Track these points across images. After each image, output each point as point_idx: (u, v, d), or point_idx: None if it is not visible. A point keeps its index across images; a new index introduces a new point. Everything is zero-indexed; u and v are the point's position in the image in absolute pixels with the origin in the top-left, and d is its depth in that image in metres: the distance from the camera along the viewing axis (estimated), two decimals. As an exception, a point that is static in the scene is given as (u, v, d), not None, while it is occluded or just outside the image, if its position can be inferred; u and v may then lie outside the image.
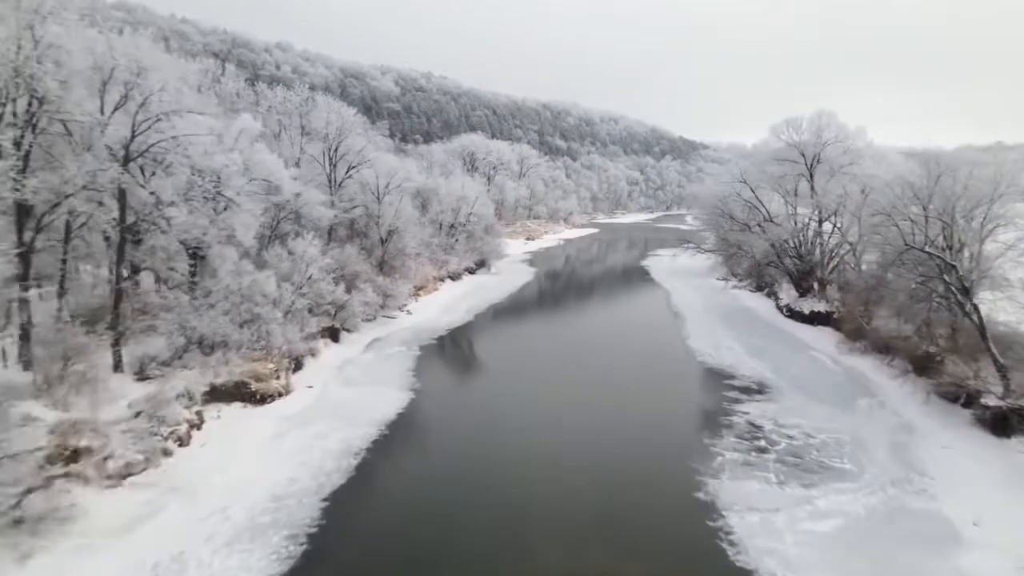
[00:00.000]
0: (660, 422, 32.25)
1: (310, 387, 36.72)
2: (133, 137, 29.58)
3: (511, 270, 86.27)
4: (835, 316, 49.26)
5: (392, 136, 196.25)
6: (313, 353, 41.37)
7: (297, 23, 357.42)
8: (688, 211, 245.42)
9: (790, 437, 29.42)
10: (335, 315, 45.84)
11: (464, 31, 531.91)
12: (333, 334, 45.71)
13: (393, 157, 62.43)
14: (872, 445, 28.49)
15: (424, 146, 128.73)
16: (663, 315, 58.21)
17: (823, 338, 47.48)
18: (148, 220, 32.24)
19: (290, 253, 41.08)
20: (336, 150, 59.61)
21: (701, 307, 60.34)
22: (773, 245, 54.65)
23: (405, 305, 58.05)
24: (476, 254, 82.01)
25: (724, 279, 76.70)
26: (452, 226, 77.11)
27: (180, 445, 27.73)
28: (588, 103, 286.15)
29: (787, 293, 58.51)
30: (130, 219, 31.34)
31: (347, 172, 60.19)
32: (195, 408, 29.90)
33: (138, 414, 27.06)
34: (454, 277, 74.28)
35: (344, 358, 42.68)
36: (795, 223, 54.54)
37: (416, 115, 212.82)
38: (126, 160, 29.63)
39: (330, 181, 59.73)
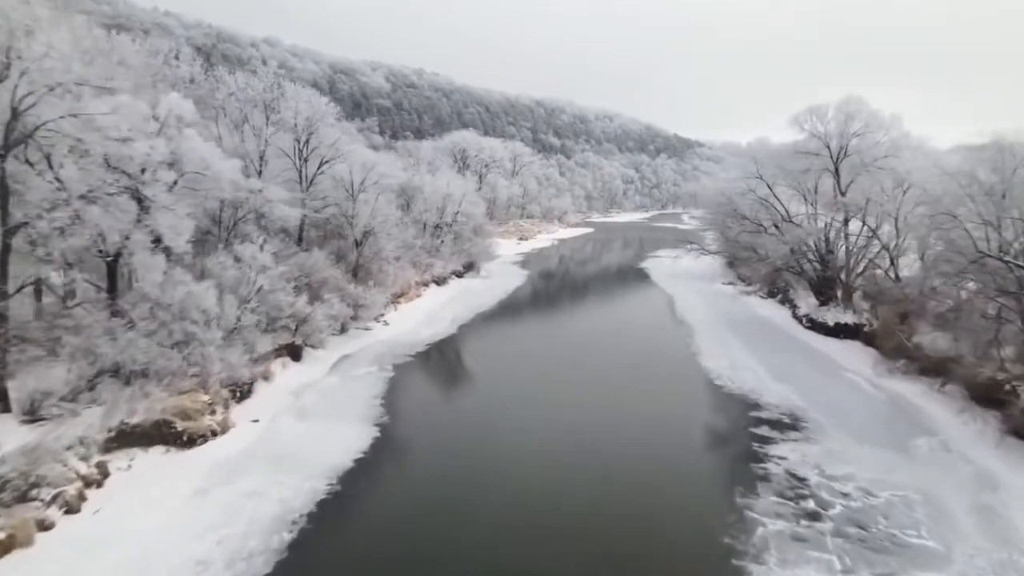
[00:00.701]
0: (678, 473, 25.85)
1: (255, 421, 30.30)
2: (15, 116, 23.08)
3: (502, 273, 79.91)
4: (865, 329, 43.09)
5: (382, 133, 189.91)
6: (266, 376, 34.94)
7: (297, 23, 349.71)
8: (684, 210, 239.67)
9: (845, 495, 23.12)
10: (296, 330, 39.42)
11: (464, 31, 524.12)
12: (294, 352, 39.28)
13: (370, 151, 56.11)
14: (951, 507, 22.23)
15: (411, 142, 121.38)
16: (668, 326, 51.94)
17: (853, 355, 41.30)
18: (49, 219, 25.65)
19: (237, 260, 34.51)
20: (307, 142, 53.16)
21: (709, 316, 54.10)
22: (792, 249, 48.42)
23: (382, 315, 51.69)
24: (464, 256, 75.63)
25: (731, 284, 70.56)
26: (437, 226, 70.66)
27: (67, 512, 21.31)
28: (584, 101, 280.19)
29: (805, 301, 52.34)
30: (22, 217, 24.81)
31: (319, 167, 53.74)
32: (95, 459, 23.47)
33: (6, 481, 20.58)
34: (439, 282, 67.90)
35: (303, 381, 36.25)
36: (818, 223, 48.28)
37: (407, 112, 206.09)
38: (6, 145, 23.13)
39: (300, 177, 53.30)
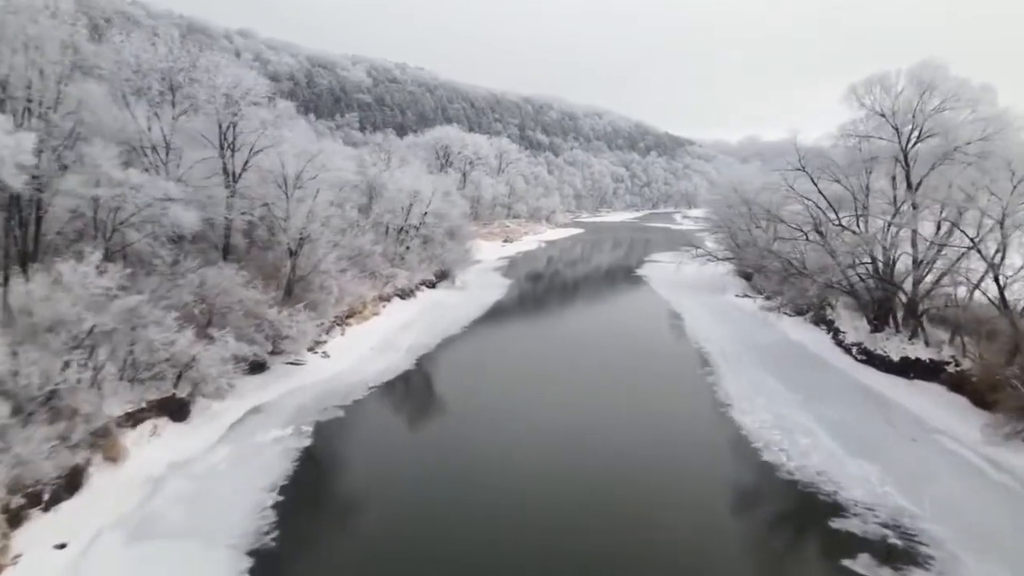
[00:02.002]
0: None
1: (61, 547, 18.82)
2: None
3: (481, 282, 68.38)
4: (950, 369, 31.94)
5: (363, 129, 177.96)
6: (113, 456, 23.36)
7: (286, 20, 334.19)
8: (676, 209, 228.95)
9: None
10: (178, 379, 27.83)
11: (456, 29, 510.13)
12: (176, 409, 27.71)
13: (310, 139, 44.54)
14: None
15: (379, 135, 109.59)
16: (682, 358, 40.58)
17: (939, 406, 30.15)
18: None
19: (56, 284, 22.66)
20: (232, 127, 41.51)
21: (731, 342, 42.84)
22: (841, 261, 37.14)
23: (322, 343, 40.24)
24: (436, 264, 64.12)
25: (745, 296, 59.38)
26: (402, 230, 58.97)
27: None
28: (572, 98, 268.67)
29: (850, 324, 41.21)
30: None
31: (248, 158, 42.13)
32: None
33: None
34: (404, 295, 56.34)
35: (176, 458, 24.68)
36: (870, 228, 36.93)
37: (389, 107, 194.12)
38: None
39: (225, 170, 41.66)
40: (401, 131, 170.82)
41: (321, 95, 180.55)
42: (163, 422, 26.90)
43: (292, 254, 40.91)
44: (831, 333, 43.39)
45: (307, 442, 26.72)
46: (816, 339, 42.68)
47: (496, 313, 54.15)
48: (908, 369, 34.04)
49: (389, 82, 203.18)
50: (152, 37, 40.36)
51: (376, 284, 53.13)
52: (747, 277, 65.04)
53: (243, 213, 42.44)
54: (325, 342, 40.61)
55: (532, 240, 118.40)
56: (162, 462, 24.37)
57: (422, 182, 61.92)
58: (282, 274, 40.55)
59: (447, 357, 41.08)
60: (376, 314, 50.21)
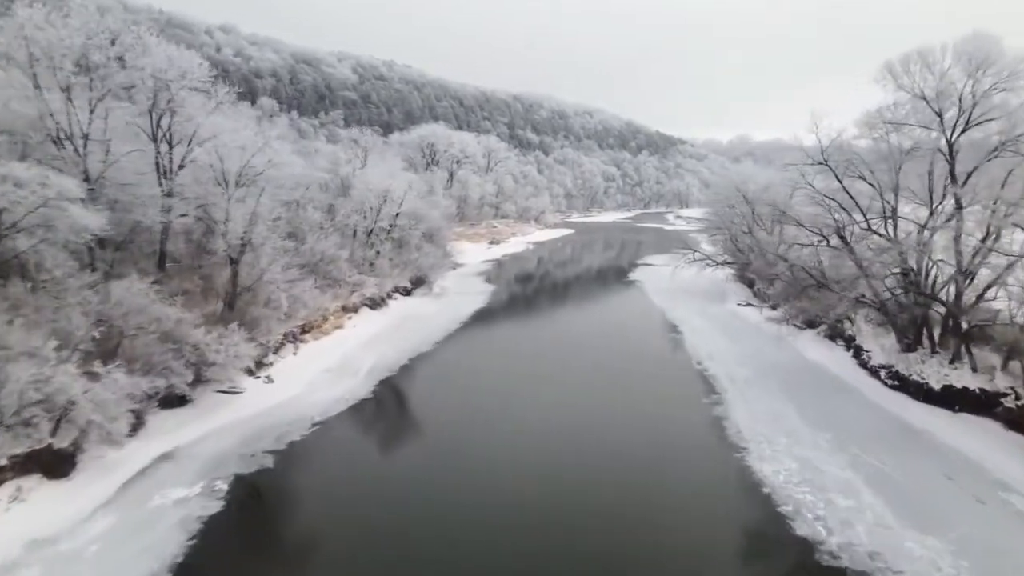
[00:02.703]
0: None
1: None
2: None
3: (462, 288, 62.56)
4: (1007, 403, 26.37)
5: (348, 127, 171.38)
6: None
7: (284, 18, 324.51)
8: (667, 209, 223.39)
9: None
10: (56, 427, 21.91)
11: (454, 28, 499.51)
12: (54, 464, 21.81)
13: (252, 132, 38.38)
14: None
15: (356, 129, 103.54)
16: (682, 382, 34.83)
17: (997, 447, 24.58)
18: None
19: None
20: (169, 116, 35.59)
21: (739, 361, 37.17)
22: (871, 272, 31.51)
23: (268, 364, 34.43)
24: (412, 269, 58.25)
25: (748, 304, 53.78)
26: (371, 232, 52.97)
27: None
28: (563, 96, 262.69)
29: (875, 342, 35.62)
30: None
31: (186, 153, 36.25)
32: None
33: None
34: (375, 304, 50.47)
35: (38, 534, 18.81)
36: (919, 233, 31.03)
37: (375, 105, 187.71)
38: None
39: (158, 166, 35.80)
40: (387, 129, 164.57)
41: (305, 92, 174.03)
42: (32, 482, 20.98)
43: (233, 262, 35.03)
44: (850, 350, 37.82)
45: (216, 507, 20.84)
46: (835, 359, 37.02)
47: (474, 325, 48.28)
48: (952, 400, 28.48)
49: (376, 79, 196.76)
50: (64, 8, 34.27)
51: (341, 293, 47.30)
52: (749, 283, 59.49)
53: (182, 215, 36.76)
54: (270, 364, 34.75)
55: (520, 242, 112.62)
56: (18, 540, 18.51)
57: (395, 180, 55.89)
58: (219, 286, 34.70)
59: (412, 382, 35.20)
60: (339, 327, 44.37)
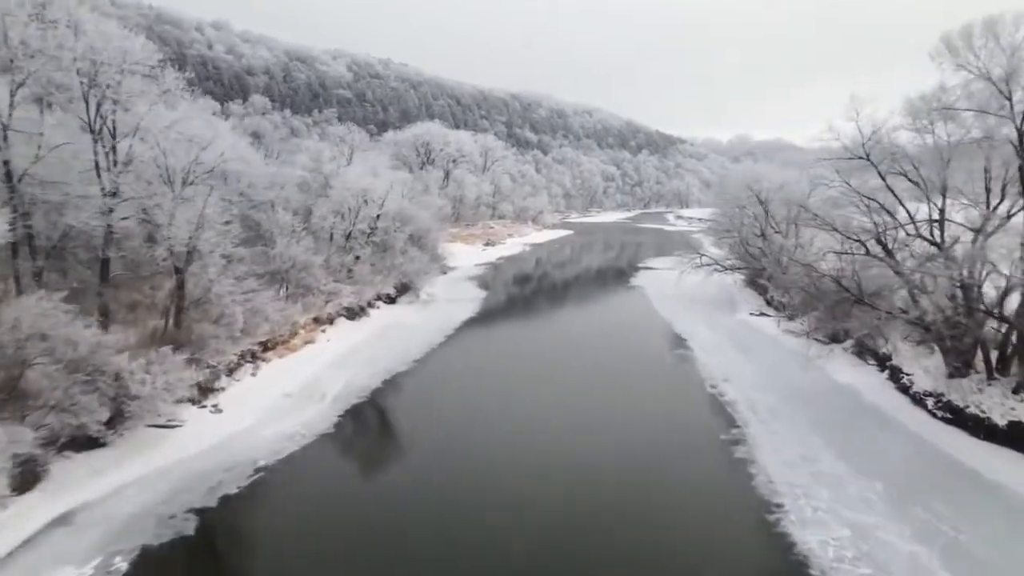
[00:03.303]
0: None
1: None
2: None
3: (451, 295, 57.70)
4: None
5: (342, 125, 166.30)
6: None
7: (280, 17, 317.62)
8: (667, 209, 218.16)
9: None
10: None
11: (451, 27, 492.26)
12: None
13: (204, 120, 33.45)
14: None
15: (341, 127, 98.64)
16: (696, 411, 29.97)
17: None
18: None
19: None
20: (109, 104, 30.72)
21: (758, 384, 32.26)
22: (918, 287, 26.61)
23: (217, 390, 29.61)
24: (397, 275, 53.40)
25: (762, 314, 48.92)
26: (350, 236, 48.01)
27: None
28: (561, 95, 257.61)
29: (916, 363, 30.76)
30: None
31: (123, 144, 31.32)
32: None
33: None
34: (353, 314, 45.67)
35: None
36: (977, 240, 26.07)
37: (370, 103, 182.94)
38: None
39: (97, 162, 30.90)
40: (383, 128, 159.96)
41: (298, 90, 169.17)
42: None
43: (178, 272, 30.13)
44: (885, 370, 32.99)
45: (106, 597, 16.01)
46: (870, 382, 32.08)
47: (461, 338, 43.37)
48: (1022, 439, 23.61)
49: (371, 77, 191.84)
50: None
51: (314, 303, 42.47)
52: (761, 290, 54.60)
53: (124, 219, 31.84)
54: (221, 389, 29.90)
55: (516, 243, 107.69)
56: None
57: (377, 179, 50.95)
58: (160, 300, 29.84)
59: (382, 411, 30.34)
60: (311, 342, 39.54)
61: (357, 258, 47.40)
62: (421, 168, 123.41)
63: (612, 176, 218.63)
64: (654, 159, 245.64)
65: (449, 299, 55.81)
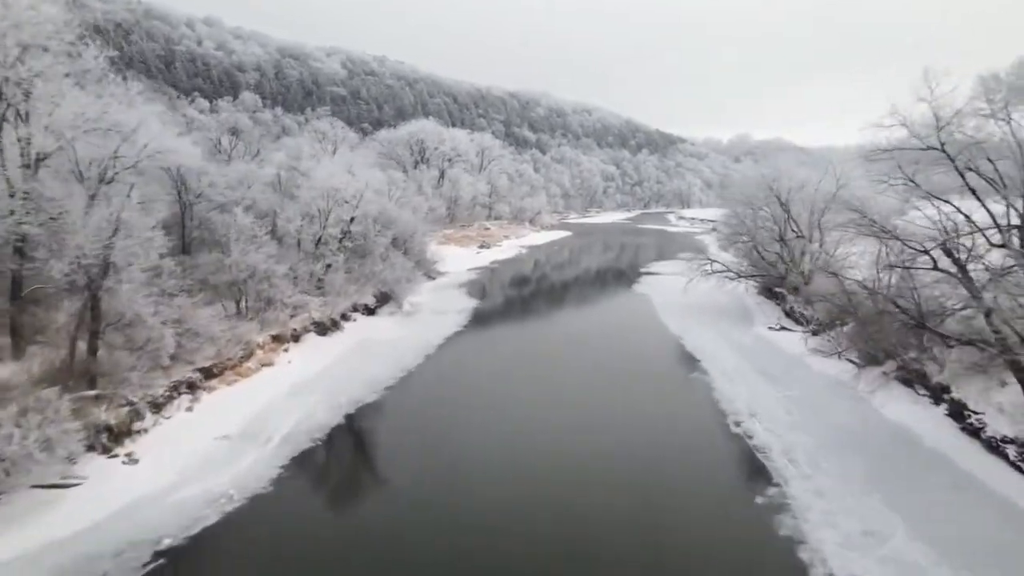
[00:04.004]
0: None
1: None
2: None
3: (438, 304, 52.10)
4: None
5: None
6: None
7: (276, 15, 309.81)
8: (668, 209, 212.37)
9: None
10: None
11: (447, 26, 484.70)
12: None
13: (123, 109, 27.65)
14: None
15: (324, 121, 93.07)
16: (719, 456, 24.42)
17: None
18: None
19: None
20: (20, 89, 25.18)
21: (793, 423, 26.62)
22: (1000, 306, 21.15)
23: (135, 433, 24.07)
24: (377, 284, 47.83)
25: (782, 328, 43.36)
26: (320, 242, 42.36)
27: None
28: (560, 93, 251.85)
29: (986, 399, 25.15)
30: None
31: (31, 136, 25.72)
32: None
33: None
34: (324, 329, 40.13)
35: None
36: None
37: (365, 101, 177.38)
38: None
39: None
40: (377, 126, 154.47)
41: (290, 87, 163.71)
42: None
43: (89, 290, 24.50)
44: (940, 403, 27.39)
45: None
46: (926, 420, 26.38)
47: (442, 358, 37.73)
48: None
49: (366, 75, 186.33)
50: None
51: (276, 319, 36.92)
52: (777, 298, 49.01)
53: (41, 224, 26.27)
54: (141, 432, 24.32)
55: (512, 245, 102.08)
56: None
57: (354, 177, 45.28)
58: (62, 326, 24.26)
59: (339, 460, 24.81)
60: (268, 364, 33.95)
61: (328, 266, 41.74)
62: (415, 167, 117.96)
63: (612, 176, 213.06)
64: (654, 158, 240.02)
65: (435, 310, 50.21)
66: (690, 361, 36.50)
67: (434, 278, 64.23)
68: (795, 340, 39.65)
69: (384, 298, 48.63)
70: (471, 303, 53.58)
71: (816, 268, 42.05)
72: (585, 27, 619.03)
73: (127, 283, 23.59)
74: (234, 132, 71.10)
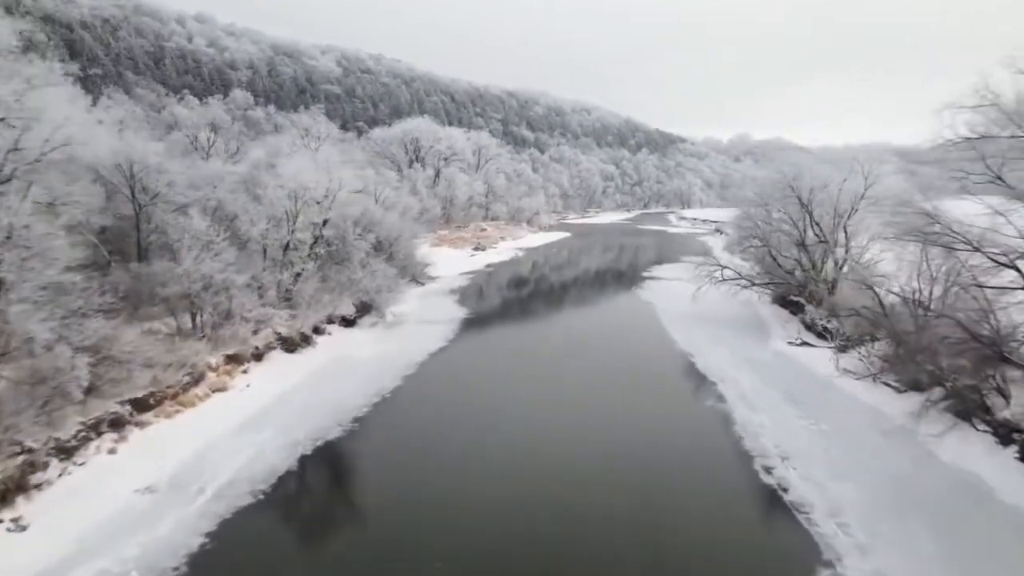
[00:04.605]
0: None
1: None
2: None
3: (425, 313, 47.37)
4: None
5: (331, 121, 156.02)
6: None
7: (273, 14, 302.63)
8: (668, 209, 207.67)
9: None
10: None
11: (446, 25, 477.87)
12: None
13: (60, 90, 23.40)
14: None
15: (302, 115, 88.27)
16: (749, 515, 19.81)
17: None
18: None
19: None
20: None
21: (836, 469, 21.92)
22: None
23: (40, 484, 19.39)
24: (357, 293, 43.14)
25: (803, 343, 38.67)
26: (288, 247, 37.58)
27: None
28: (559, 92, 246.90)
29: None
30: None
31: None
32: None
33: None
34: (293, 345, 35.47)
35: None
36: None
37: (360, 99, 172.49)
38: None
39: None
40: (372, 124, 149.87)
41: (284, 85, 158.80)
42: None
43: (-22, 311, 19.77)
44: (1009, 444, 22.68)
45: None
46: (996, 467, 21.56)
47: (424, 379, 32.95)
48: None
49: (361, 72, 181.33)
50: None
51: (233, 335, 32.22)
52: (793, 306, 44.29)
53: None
54: (41, 486, 19.61)
55: (509, 247, 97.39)
56: None
57: (332, 169, 40.46)
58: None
59: (284, 520, 20.07)
60: (221, 389, 29.27)
61: (298, 275, 37.02)
62: (410, 166, 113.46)
63: (611, 175, 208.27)
64: (654, 158, 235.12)
65: (421, 319, 45.54)
66: (703, 383, 31.80)
67: (423, 283, 59.68)
68: (819, 357, 34.95)
69: (365, 308, 43.94)
70: (460, 313, 48.82)
71: (841, 276, 37.37)
72: (584, 27, 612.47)
73: (18, 304, 18.80)
74: (214, 128, 66.18)
